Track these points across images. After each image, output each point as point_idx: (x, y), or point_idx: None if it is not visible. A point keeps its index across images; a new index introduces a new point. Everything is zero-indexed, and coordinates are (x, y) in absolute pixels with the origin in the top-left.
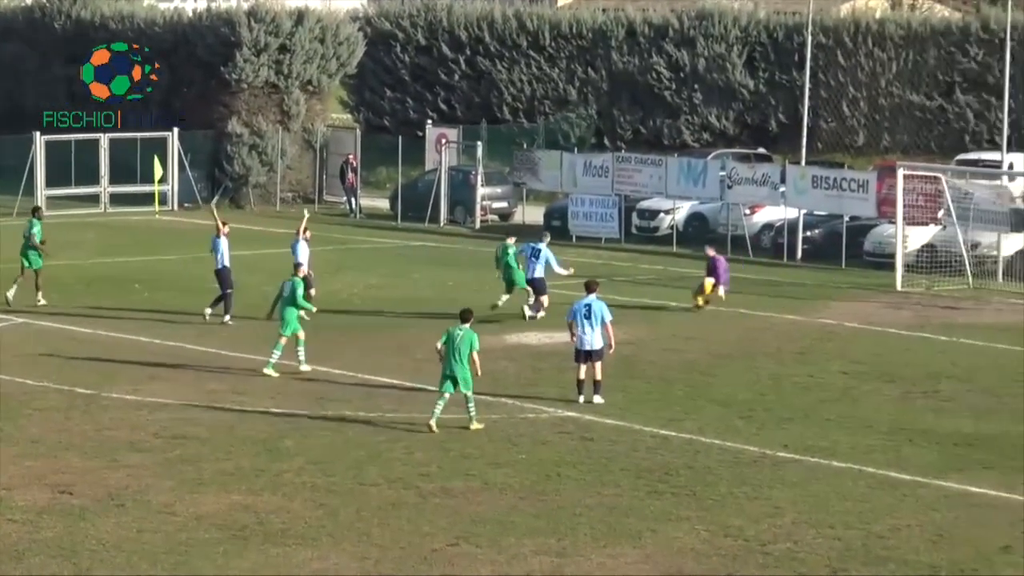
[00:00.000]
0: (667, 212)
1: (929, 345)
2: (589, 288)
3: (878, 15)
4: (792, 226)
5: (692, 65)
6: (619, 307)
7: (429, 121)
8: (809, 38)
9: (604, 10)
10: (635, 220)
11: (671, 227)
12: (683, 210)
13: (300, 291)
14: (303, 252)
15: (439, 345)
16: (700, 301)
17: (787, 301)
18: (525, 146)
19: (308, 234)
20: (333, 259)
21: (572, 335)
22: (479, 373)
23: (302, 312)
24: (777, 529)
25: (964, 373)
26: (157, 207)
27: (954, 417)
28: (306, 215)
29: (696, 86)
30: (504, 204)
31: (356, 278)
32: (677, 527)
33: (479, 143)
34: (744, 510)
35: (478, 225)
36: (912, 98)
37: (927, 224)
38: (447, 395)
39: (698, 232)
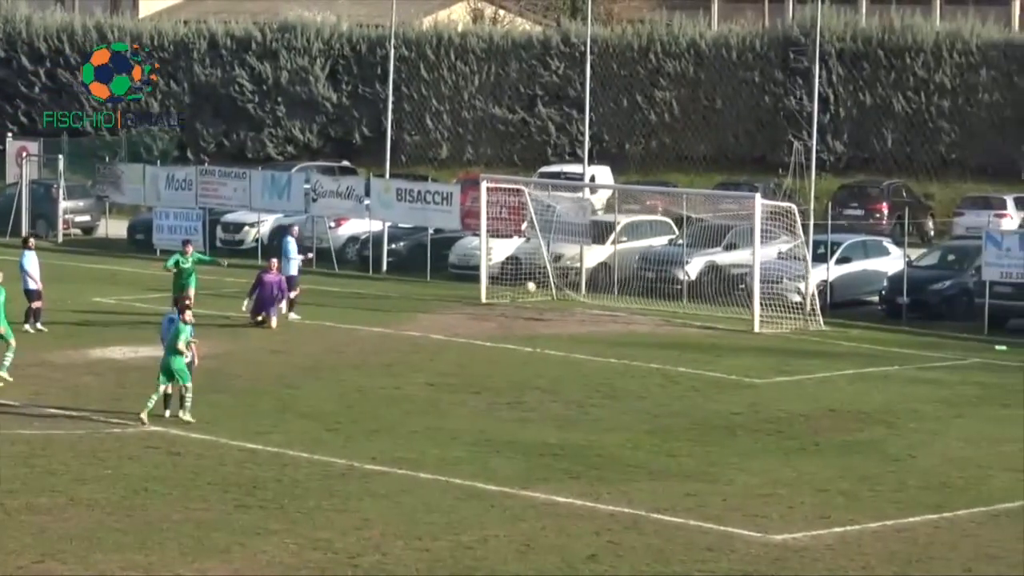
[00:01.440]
0: (252, 225)
1: (513, 356)
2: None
3: (460, 28)
4: (377, 239)
5: (275, 78)
6: (203, 322)
7: (9, 134)
8: (392, 51)
9: (186, 22)
10: (220, 233)
11: (256, 240)
12: (268, 223)
13: None
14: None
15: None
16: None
17: (373, 314)
18: (108, 159)
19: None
20: None
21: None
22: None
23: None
24: (366, 541)
25: (548, 384)
26: None
27: (539, 428)
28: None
29: (279, 99)
30: (87, 218)
31: None
32: (266, 541)
33: (60, 156)
34: (333, 523)
35: (60, 239)
36: (495, 111)
37: (511, 236)
38: (162, 388)
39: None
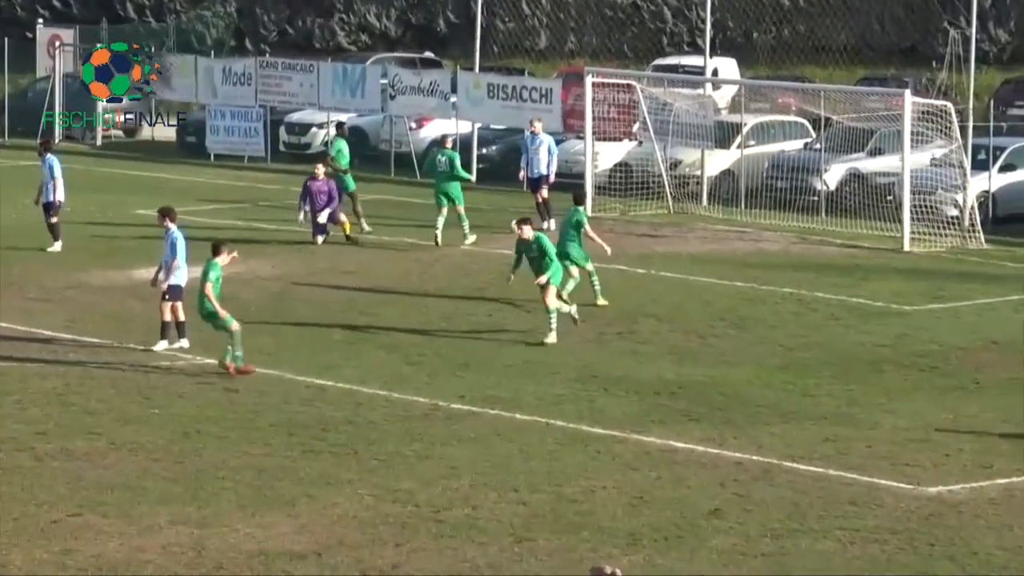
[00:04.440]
0: (320, 126)
1: (625, 279)
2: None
3: None
4: (466, 142)
5: None
6: (265, 239)
7: (40, 20)
8: None
9: None
10: (283, 135)
11: (325, 143)
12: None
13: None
14: None
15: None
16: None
17: (460, 229)
18: (153, 49)
19: None
20: None
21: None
22: None
23: None
24: (453, 493)
25: (665, 311)
26: None
27: (654, 361)
28: None
29: None
30: (130, 117)
31: None
32: (337, 492)
33: (99, 46)
34: (415, 471)
35: (99, 141)
36: None
37: (621, 140)
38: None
39: (356, 149)
